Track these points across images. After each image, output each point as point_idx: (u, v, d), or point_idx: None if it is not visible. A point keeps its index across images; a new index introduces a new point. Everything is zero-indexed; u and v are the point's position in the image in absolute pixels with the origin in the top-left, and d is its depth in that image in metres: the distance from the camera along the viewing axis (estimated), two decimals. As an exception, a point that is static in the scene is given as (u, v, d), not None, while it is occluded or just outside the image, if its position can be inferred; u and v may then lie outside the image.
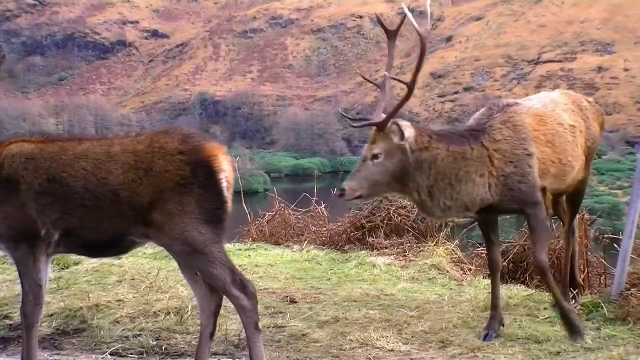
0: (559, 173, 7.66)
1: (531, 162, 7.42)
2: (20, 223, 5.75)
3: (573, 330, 7.43)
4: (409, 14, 7.62)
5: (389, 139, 7.25)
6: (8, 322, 8.35)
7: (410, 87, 7.33)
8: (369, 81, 8.70)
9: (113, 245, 5.94)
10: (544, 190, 7.54)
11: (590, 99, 8.43)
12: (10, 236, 5.81)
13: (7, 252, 6.05)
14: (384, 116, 7.41)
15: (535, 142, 7.49)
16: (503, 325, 7.80)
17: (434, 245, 11.46)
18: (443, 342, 7.43)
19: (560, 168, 7.64)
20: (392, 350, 7.18)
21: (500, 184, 7.40)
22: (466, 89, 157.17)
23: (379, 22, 8.31)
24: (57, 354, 7.30)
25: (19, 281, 9.29)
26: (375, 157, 7.25)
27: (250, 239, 13.38)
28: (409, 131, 7.23)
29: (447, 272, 10.46)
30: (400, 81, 7.64)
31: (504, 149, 7.40)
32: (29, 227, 5.74)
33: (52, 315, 8.25)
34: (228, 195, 5.71)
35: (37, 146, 5.90)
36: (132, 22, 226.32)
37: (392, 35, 8.10)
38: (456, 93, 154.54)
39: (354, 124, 7.78)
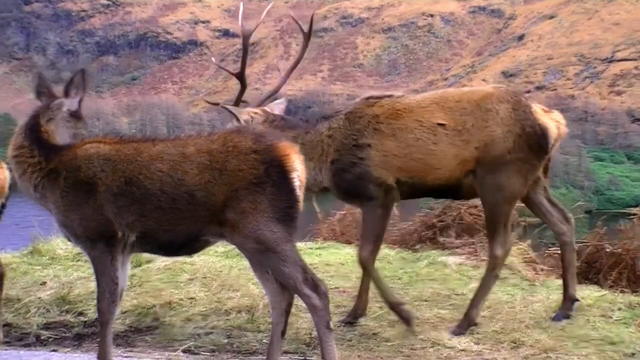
0: (408, 168, 7.67)
1: (360, 154, 7.67)
2: (97, 224, 5.77)
3: (407, 323, 7.68)
4: (240, 12, 9.19)
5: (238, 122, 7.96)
6: (82, 318, 8.42)
7: (238, 76, 8.45)
8: (228, 71, 9.04)
9: (188, 245, 5.97)
10: (382, 184, 7.67)
11: (527, 104, 7.70)
12: (87, 236, 5.84)
13: (83, 251, 6.09)
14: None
15: (377, 134, 7.68)
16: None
17: (506, 245, 11.35)
18: (515, 342, 7.33)
19: (408, 163, 7.66)
20: (463, 350, 7.12)
21: (328, 170, 7.82)
22: (538, 88, 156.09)
23: (295, 21, 8.97)
24: (130, 351, 7.35)
25: (93, 278, 9.42)
26: None
27: (321, 238, 13.33)
28: (244, 117, 7.98)
29: (519, 271, 10.33)
30: (228, 71, 8.73)
31: (334, 137, 7.82)
32: (106, 229, 5.77)
33: (125, 313, 8.31)
34: (300, 194, 5.69)
35: (112, 147, 5.92)
36: (203, 22, 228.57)
37: (306, 36, 8.81)
38: (528, 92, 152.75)
39: (207, 100, 8.47)
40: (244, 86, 8.33)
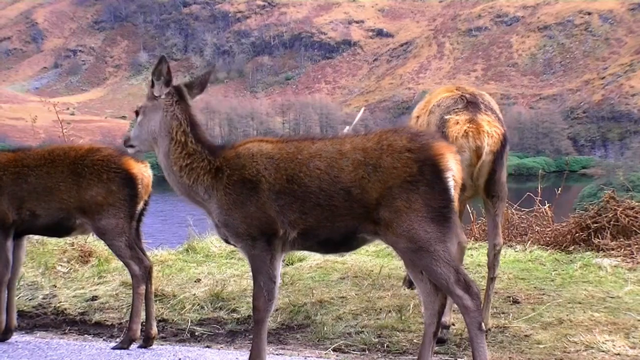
0: None
1: None
2: (259, 222, 5.86)
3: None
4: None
5: None
6: (235, 315, 8.60)
7: None
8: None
9: (345, 242, 6.00)
10: None
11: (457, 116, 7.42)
12: (249, 234, 5.92)
13: (242, 249, 6.14)
14: None
15: None
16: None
17: (664, 247, 11.08)
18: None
19: None
20: (618, 354, 6.96)
21: None
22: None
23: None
24: (282, 348, 7.47)
25: (245, 276, 9.61)
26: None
27: (472, 238, 13.27)
28: None
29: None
30: None
31: None
32: (268, 227, 5.86)
33: (277, 310, 8.46)
34: (455, 194, 5.65)
35: (274, 145, 6.01)
36: (357, 22, 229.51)
37: None
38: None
39: None
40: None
